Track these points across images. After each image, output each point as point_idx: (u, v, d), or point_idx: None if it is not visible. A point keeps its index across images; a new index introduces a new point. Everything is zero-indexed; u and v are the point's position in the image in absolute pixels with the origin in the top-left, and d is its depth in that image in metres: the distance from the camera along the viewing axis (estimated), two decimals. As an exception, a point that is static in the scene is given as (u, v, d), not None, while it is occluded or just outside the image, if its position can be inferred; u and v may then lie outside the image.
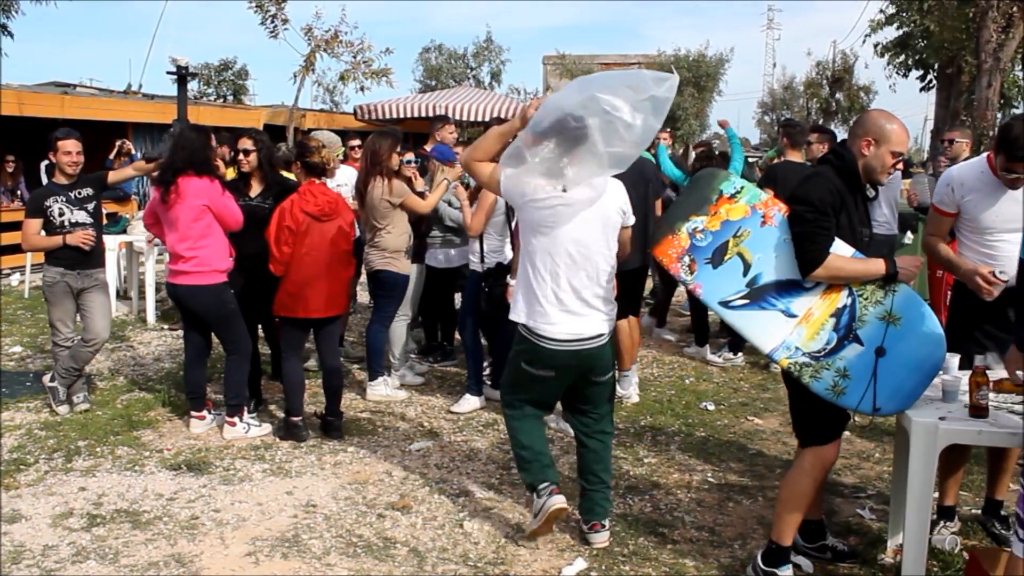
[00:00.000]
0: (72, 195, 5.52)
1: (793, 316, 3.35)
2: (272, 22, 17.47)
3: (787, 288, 3.38)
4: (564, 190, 3.55)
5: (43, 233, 5.50)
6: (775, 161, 7.75)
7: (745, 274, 3.43)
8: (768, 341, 3.37)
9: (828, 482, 4.63)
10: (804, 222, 3.29)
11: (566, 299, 3.62)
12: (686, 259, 3.52)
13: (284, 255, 5.11)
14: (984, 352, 3.64)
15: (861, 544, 3.95)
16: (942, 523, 3.93)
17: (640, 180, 6.01)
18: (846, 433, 5.39)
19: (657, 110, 3.29)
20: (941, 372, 3.50)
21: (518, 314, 3.73)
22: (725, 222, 3.50)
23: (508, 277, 5.46)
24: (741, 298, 3.43)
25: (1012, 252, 3.60)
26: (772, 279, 3.40)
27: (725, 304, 3.46)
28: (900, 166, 3.49)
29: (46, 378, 5.76)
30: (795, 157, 6.84)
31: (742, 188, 3.55)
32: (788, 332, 3.34)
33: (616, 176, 5.81)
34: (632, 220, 3.85)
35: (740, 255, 3.45)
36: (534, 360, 3.74)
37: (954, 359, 3.51)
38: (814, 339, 3.32)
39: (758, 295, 3.41)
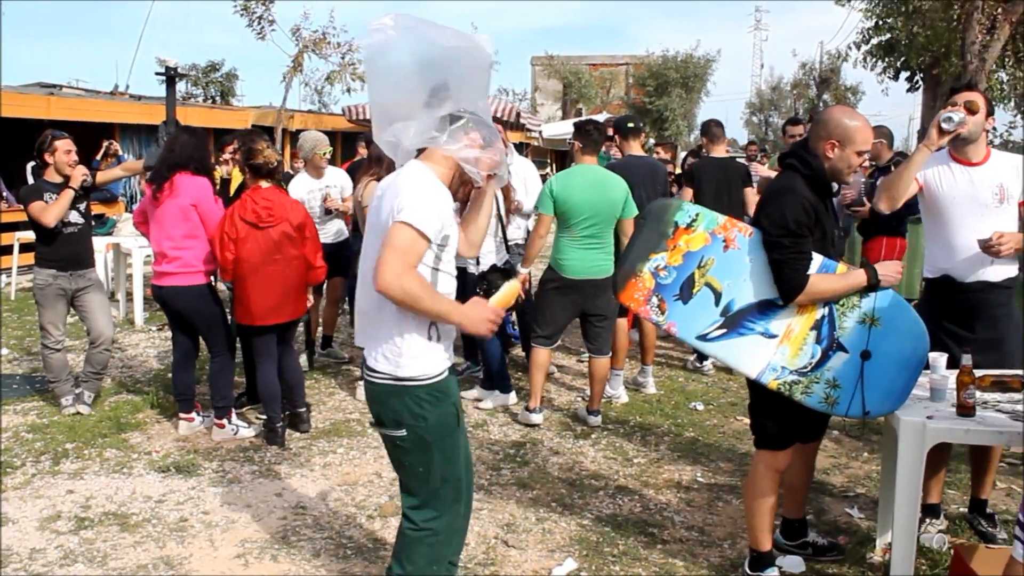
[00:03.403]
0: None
1: (774, 336, 3.29)
2: (259, 23, 17.45)
3: (762, 309, 3.29)
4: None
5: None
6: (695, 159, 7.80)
7: (717, 303, 3.32)
8: (754, 366, 3.29)
9: (817, 481, 4.66)
10: (782, 248, 3.19)
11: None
12: (654, 300, 3.38)
13: (227, 261, 5.04)
14: (947, 351, 3.64)
15: (850, 543, 3.97)
16: (928, 521, 3.95)
17: (650, 182, 6.09)
18: (835, 432, 5.45)
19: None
20: (928, 371, 3.52)
21: None
22: (687, 254, 3.37)
23: (519, 266, 5.51)
24: (717, 328, 3.32)
25: (971, 244, 3.69)
26: (745, 303, 3.30)
27: (703, 338, 3.34)
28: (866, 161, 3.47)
29: (79, 392, 5.75)
30: (718, 152, 6.97)
31: (697, 216, 3.41)
32: (771, 353, 3.28)
33: (628, 174, 5.92)
34: (398, 218, 2.61)
35: (709, 285, 3.34)
36: None
37: (941, 358, 3.52)
38: (798, 355, 3.27)
39: (734, 322, 3.31)
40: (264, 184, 5.12)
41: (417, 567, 2.86)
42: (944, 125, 3.58)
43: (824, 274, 3.24)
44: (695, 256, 3.37)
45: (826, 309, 3.27)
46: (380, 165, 5.76)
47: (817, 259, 3.26)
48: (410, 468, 2.82)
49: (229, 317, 5.45)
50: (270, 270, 5.05)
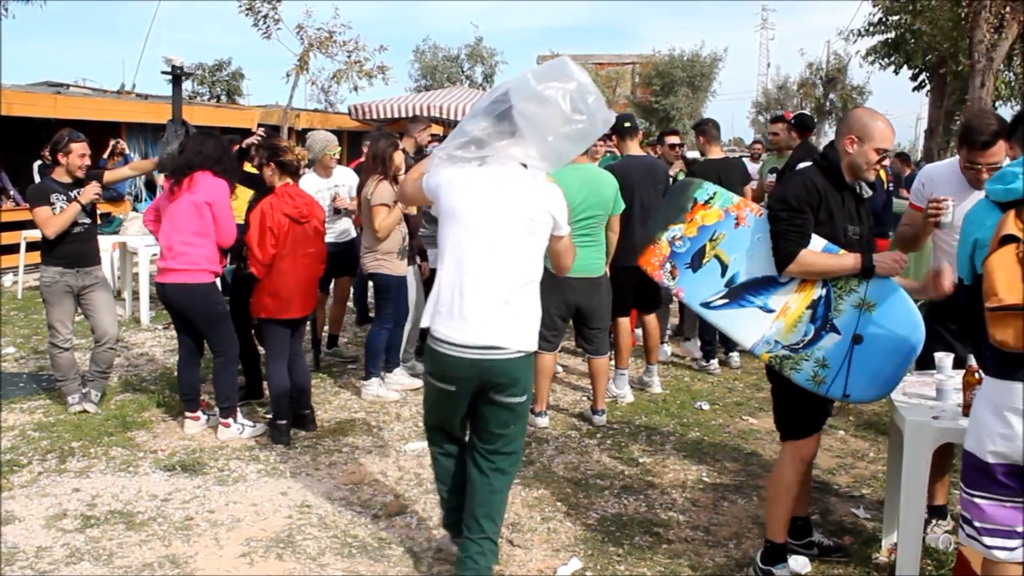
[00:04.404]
0: (73, 195, 5.49)
1: (771, 311, 3.46)
2: (264, 22, 17.47)
3: (763, 285, 3.49)
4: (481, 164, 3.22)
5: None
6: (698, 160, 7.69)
7: (723, 275, 3.57)
8: (749, 337, 3.49)
9: (822, 481, 4.66)
10: (778, 220, 3.37)
11: (470, 297, 3.18)
12: (667, 266, 3.69)
13: (268, 257, 5.07)
14: (952, 351, 3.65)
15: (856, 543, 3.96)
16: (935, 522, 3.94)
17: (650, 182, 6.09)
18: (840, 432, 5.44)
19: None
20: (935, 371, 3.52)
21: (425, 316, 3.35)
22: (701, 227, 3.65)
23: None
24: (721, 298, 3.56)
25: None
26: (748, 277, 3.52)
27: (706, 305, 3.60)
28: (886, 162, 3.50)
29: (86, 390, 5.77)
30: (715, 153, 6.88)
31: (715, 194, 3.68)
32: (767, 327, 3.45)
33: (626, 174, 5.91)
34: (566, 230, 3.37)
35: (717, 257, 3.59)
36: (435, 371, 3.36)
37: (947, 358, 3.52)
38: (792, 331, 3.40)
39: (736, 294, 3.53)
40: (290, 181, 5.23)
41: (501, 515, 3.42)
42: (940, 229, 3.67)
43: (818, 252, 3.35)
44: (708, 230, 3.64)
45: (824, 290, 3.39)
46: (384, 164, 5.77)
47: (820, 242, 3.36)
48: (515, 428, 3.38)
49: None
50: (302, 263, 5.18)
